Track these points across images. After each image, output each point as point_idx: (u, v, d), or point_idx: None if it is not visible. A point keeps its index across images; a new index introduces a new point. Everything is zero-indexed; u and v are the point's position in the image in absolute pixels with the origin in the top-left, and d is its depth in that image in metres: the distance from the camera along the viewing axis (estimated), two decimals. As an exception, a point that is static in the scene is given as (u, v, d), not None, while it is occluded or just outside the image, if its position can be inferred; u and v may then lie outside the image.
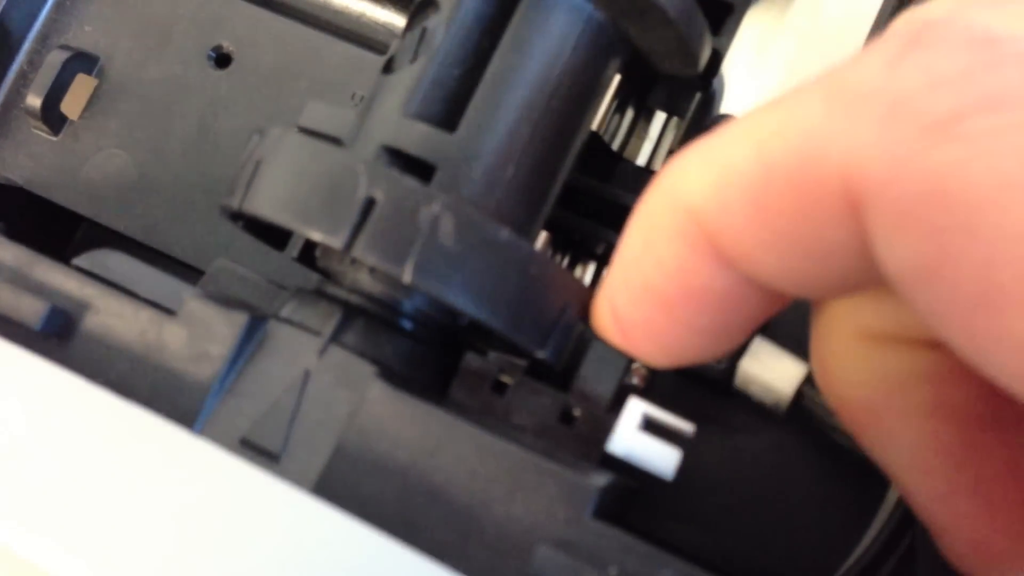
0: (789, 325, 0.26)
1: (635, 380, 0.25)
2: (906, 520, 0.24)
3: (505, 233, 0.21)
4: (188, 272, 0.30)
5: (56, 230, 0.32)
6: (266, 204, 0.21)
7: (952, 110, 0.15)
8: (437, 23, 0.23)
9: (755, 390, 0.25)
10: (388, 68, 0.24)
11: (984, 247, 0.15)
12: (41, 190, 0.31)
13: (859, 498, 0.25)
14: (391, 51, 0.24)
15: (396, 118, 0.23)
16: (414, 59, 0.23)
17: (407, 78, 0.23)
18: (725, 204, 0.18)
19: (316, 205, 0.21)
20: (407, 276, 0.20)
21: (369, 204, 0.20)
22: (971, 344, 0.16)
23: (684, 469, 0.22)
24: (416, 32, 0.24)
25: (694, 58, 0.24)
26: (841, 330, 0.21)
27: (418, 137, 0.22)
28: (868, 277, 0.17)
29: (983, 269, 0.15)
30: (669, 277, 0.19)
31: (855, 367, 0.21)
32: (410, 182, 0.21)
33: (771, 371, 0.25)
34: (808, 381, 0.24)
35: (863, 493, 0.25)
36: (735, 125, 0.19)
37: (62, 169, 0.31)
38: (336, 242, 0.20)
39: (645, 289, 0.20)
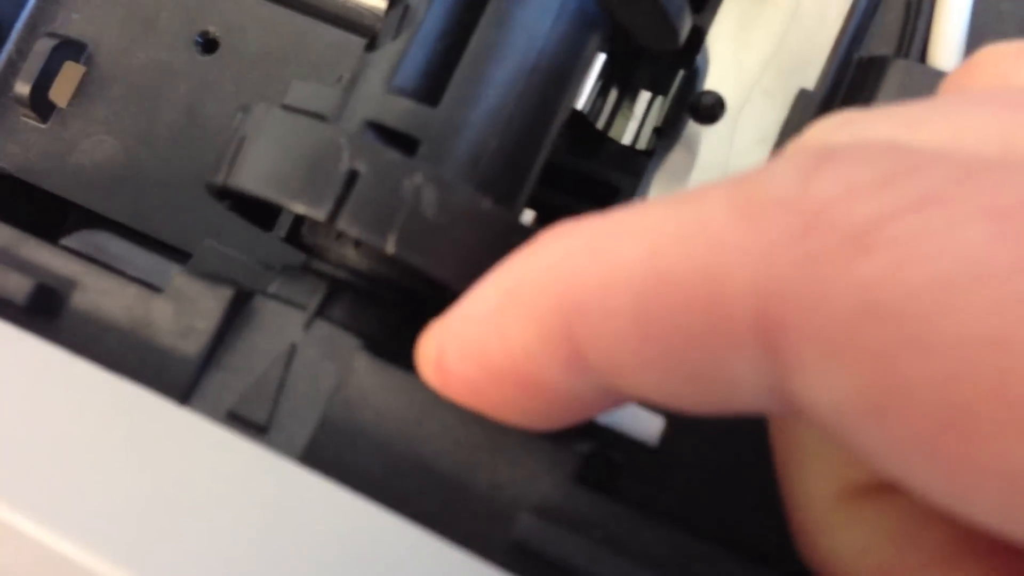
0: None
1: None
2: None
3: (488, 204, 0.21)
4: (177, 256, 0.30)
5: (46, 216, 0.32)
6: (250, 179, 0.22)
7: (875, 216, 0.13)
8: (419, 0, 0.24)
9: None
10: (371, 46, 0.24)
11: (940, 361, 0.12)
12: (30, 177, 0.31)
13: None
14: (376, 30, 0.25)
15: (379, 94, 0.23)
16: (396, 35, 0.23)
17: (389, 54, 0.23)
18: (603, 309, 0.15)
19: (299, 178, 0.21)
20: (390, 247, 0.20)
21: (352, 176, 0.21)
22: (941, 484, 0.13)
23: (667, 436, 0.22)
24: (399, 9, 0.24)
25: (674, 33, 0.24)
26: (821, 493, 0.18)
27: (401, 112, 0.23)
28: (770, 404, 0.15)
29: (944, 389, 0.12)
30: (510, 357, 0.17)
31: (851, 533, 0.18)
32: (392, 154, 0.21)
33: None
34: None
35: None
36: (632, 218, 0.16)
37: (51, 156, 0.31)
38: (320, 214, 0.20)
39: (480, 353, 0.17)
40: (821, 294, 0.13)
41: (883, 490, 0.17)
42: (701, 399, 0.16)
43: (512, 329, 0.17)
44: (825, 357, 0.13)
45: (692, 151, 0.28)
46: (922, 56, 0.27)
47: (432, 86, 0.23)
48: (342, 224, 0.20)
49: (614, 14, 0.24)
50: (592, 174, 0.28)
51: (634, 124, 0.30)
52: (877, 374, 0.13)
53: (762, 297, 0.14)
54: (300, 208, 0.21)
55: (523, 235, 0.22)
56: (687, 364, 0.15)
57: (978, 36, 0.27)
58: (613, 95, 0.30)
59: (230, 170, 0.22)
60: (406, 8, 0.24)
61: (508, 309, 0.17)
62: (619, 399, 0.17)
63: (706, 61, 0.28)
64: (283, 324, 0.22)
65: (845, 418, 0.14)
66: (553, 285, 0.16)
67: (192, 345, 0.21)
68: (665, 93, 0.30)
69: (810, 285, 0.13)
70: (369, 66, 0.24)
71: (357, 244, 0.23)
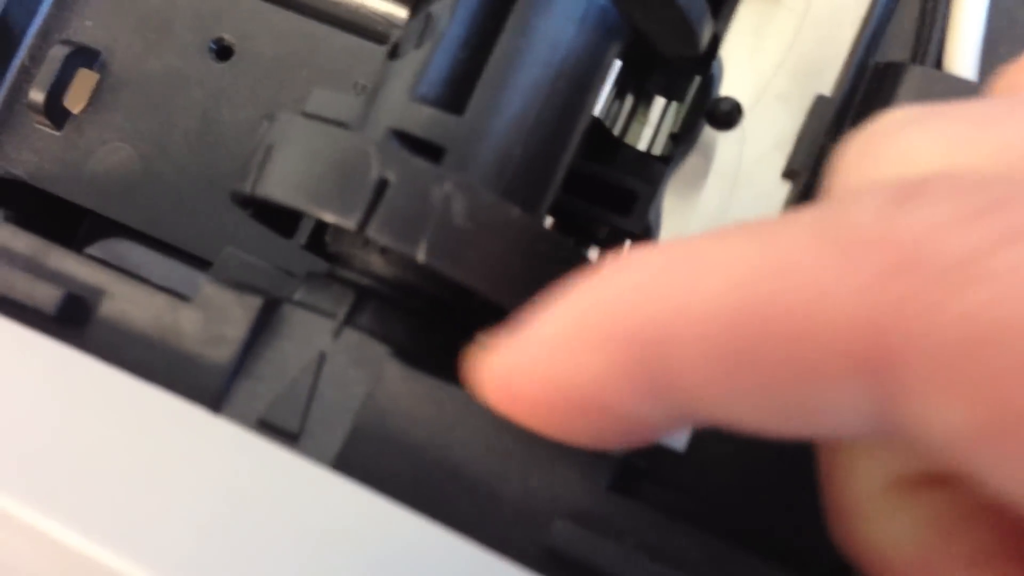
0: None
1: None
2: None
3: (516, 211, 0.21)
4: (194, 263, 0.30)
5: (61, 224, 0.32)
6: (278, 188, 0.22)
7: (973, 249, 0.13)
8: (442, 8, 0.24)
9: None
10: (393, 54, 0.24)
11: None
12: (45, 184, 0.31)
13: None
14: (395, 38, 0.25)
15: (403, 102, 0.23)
16: (419, 44, 0.24)
17: (413, 63, 0.23)
18: (686, 341, 0.15)
19: (329, 187, 0.21)
20: (421, 255, 0.20)
21: (382, 185, 0.21)
22: None
23: (695, 441, 0.22)
24: (421, 17, 0.24)
25: (696, 39, 0.24)
26: (866, 483, 0.18)
27: (426, 120, 0.23)
28: (869, 430, 0.15)
29: None
30: (582, 383, 0.17)
31: (896, 522, 0.18)
32: (421, 163, 0.21)
33: None
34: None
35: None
36: (709, 248, 0.16)
37: (66, 163, 0.31)
38: (350, 223, 0.21)
39: (550, 378, 0.17)
40: (929, 328, 0.13)
41: (933, 483, 0.17)
42: (791, 425, 0.16)
43: (584, 355, 0.17)
44: (937, 389, 0.13)
45: (708, 157, 0.28)
46: (937, 62, 0.27)
47: (456, 94, 0.23)
48: (372, 233, 0.21)
49: (635, 21, 0.24)
50: (609, 180, 0.28)
51: (649, 130, 0.30)
52: (992, 403, 0.13)
53: (865, 332, 0.14)
54: (330, 217, 0.21)
55: (551, 242, 0.22)
56: (779, 394, 0.15)
57: (993, 42, 0.27)
58: (629, 101, 0.30)
59: (258, 179, 0.22)
60: (428, 16, 0.24)
61: (580, 335, 0.17)
62: (693, 424, 0.17)
63: (721, 67, 0.28)
64: (312, 332, 0.22)
65: (960, 444, 0.14)
66: (629, 314, 0.16)
67: (222, 353, 0.22)
68: (680, 99, 0.30)
69: (916, 320, 0.14)
70: (392, 74, 0.24)
71: (383, 251, 0.23)
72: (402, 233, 0.21)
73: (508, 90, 0.23)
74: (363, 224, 0.21)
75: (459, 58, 0.23)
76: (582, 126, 0.25)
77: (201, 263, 0.30)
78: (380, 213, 0.21)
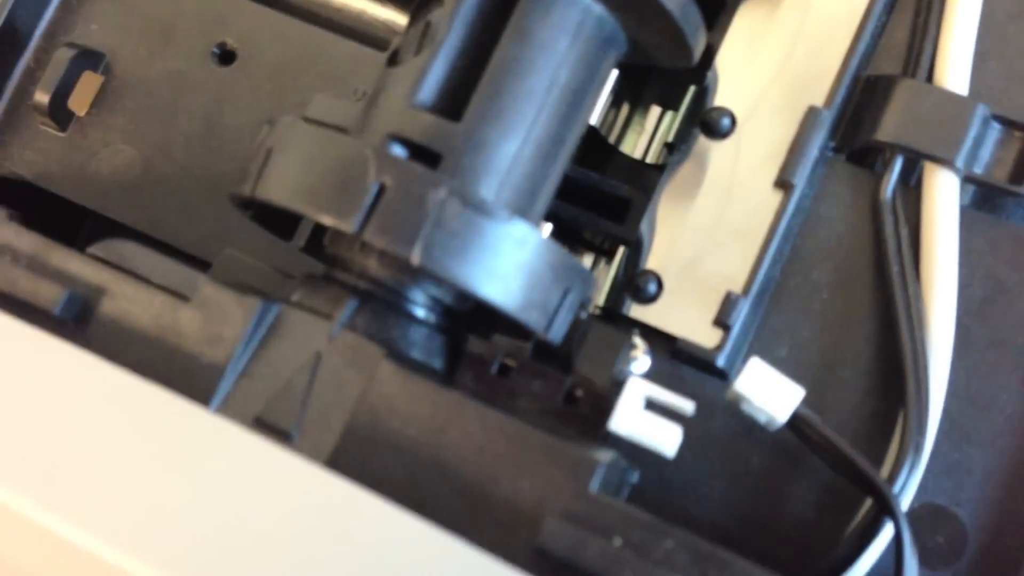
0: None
1: (636, 362, 0.25)
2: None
3: (509, 216, 0.21)
4: (193, 264, 0.31)
5: (63, 224, 0.33)
6: (278, 191, 0.22)
7: None
8: (440, 17, 0.24)
9: (747, 408, 0.24)
10: (393, 61, 0.25)
11: None
12: (49, 184, 0.32)
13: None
14: (394, 45, 0.25)
15: (402, 108, 0.23)
16: (418, 52, 0.24)
17: (412, 70, 0.24)
18: None
19: (327, 191, 0.21)
20: (416, 258, 0.21)
21: (379, 190, 0.21)
22: None
23: (684, 447, 0.22)
24: (420, 26, 0.24)
25: (690, 50, 0.25)
26: None
27: (424, 126, 0.23)
28: None
29: None
30: None
31: None
32: (417, 168, 0.21)
33: (766, 393, 0.24)
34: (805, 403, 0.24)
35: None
36: None
37: (70, 164, 0.32)
38: (348, 226, 0.21)
39: None
40: None
41: None
42: None
43: None
44: None
45: (702, 165, 0.29)
46: (929, 76, 0.27)
47: (454, 102, 0.23)
48: (369, 236, 0.21)
49: (630, 32, 0.25)
50: (603, 188, 0.29)
51: (645, 138, 0.30)
52: None
53: None
54: (328, 220, 0.21)
55: (543, 247, 0.22)
56: None
57: (983, 57, 0.27)
58: (625, 110, 0.30)
59: (257, 182, 0.22)
60: (427, 24, 0.24)
61: None
62: None
63: (716, 77, 0.29)
64: (308, 333, 0.22)
65: None
66: None
67: (220, 352, 0.22)
68: (675, 108, 0.30)
69: None
70: (391, 81, 0.24)
71: (380, 255, 0.23)
72: (398, 237, 0.21)
73: (505, 98, 0.23)
74: (361, 228, 0.21)
75: (457, 66, 0.24)
76: (578, 134, 0.25)
77: (202, 264, 0.30)
78: (377, 217, 0.21)
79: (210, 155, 0.31)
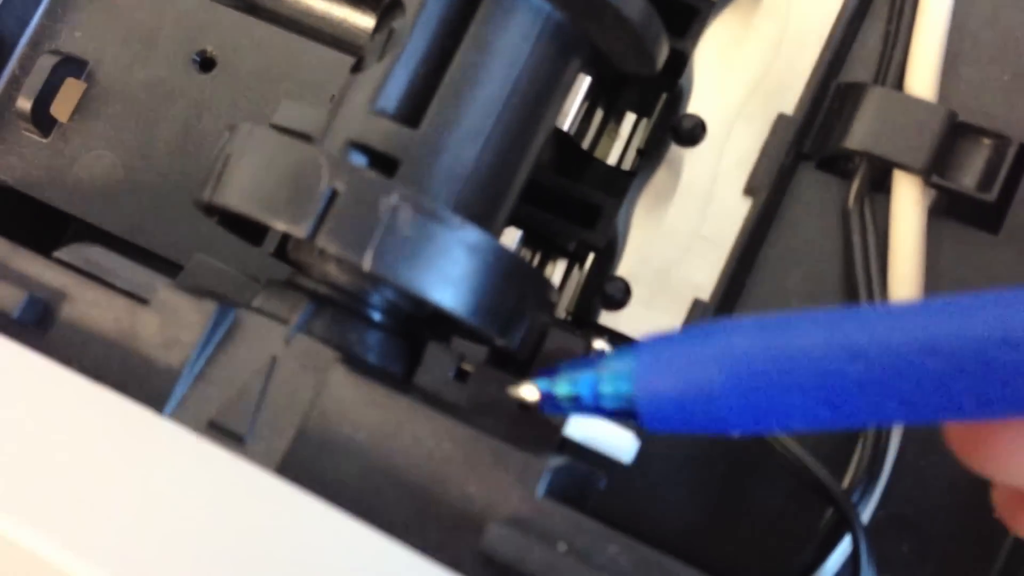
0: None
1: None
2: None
3: (461, 222, 0.22)
4: (173, 269, 0.31)
5: (46, 229, 0.33)
6: (234, 196, 0.22)
7: None
8: (403, 24, 0.24)
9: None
10: (357, 67, 0.25)
11: None
12: (31, 190, 0.32)
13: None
14: (361, 52, 0.25)
15: (362, 114, 0.24)
16: (381, 58, 0.24)
17: (373, 76, 0.24)
18: None
19: (281, 197, 0.22)
20: (367, 264, 0.21)
21: (332, 195, 0.21)
22: None
23: (642, 455, 0.22)
24: (384, 32, 0.25)
25: (651, 58, 0.25)
26: None
27: (383, 132, 0.23)
28: None
29: None
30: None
31: None
32: (370, 174, 0.21)
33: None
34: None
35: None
36: None
37: (51, 170, 0.32)
38: (300, 232, 0.21)
39: None
40: None
41: None
42: None
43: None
44: None
45: (675, 173, 0.29)
46: (899, 83, 0.27)
47: (413, 108, 0.24)
48: (321, 241, 0.21)
49: (592, 39, 0.25)
50: (574, 193, 0.29)
51: (619, 145, 0.30)
52: None
53: None
54: (281, 225, 0.21)
55: (497, 253, 0.22)
56: None
57: (954, 63, 0.27)
58: (599, 116, 0.30)
59: (215, 187, 0.23)
60: (391, 31, 0.24)
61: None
62: None
63: (690, 84, 0.29)
64: (265, 337, 0.22)
65: None
66: None
67: (176, 356, 0.22)
68: (650, 115, 0.30)
69: None
70: (353, 87, 0.24)
71: (339, 260, 0.23)
72: (350, 242, 0.21)
73: (463, 104, 0.23)
74: (313, 233, 0.21)
75: (418, 73, 0.24)
76: (540, 139, 0.25)
77: (180, 269, 0.31)
78: (329, 223, 0.21)
79: (190, 161, 0.32)
